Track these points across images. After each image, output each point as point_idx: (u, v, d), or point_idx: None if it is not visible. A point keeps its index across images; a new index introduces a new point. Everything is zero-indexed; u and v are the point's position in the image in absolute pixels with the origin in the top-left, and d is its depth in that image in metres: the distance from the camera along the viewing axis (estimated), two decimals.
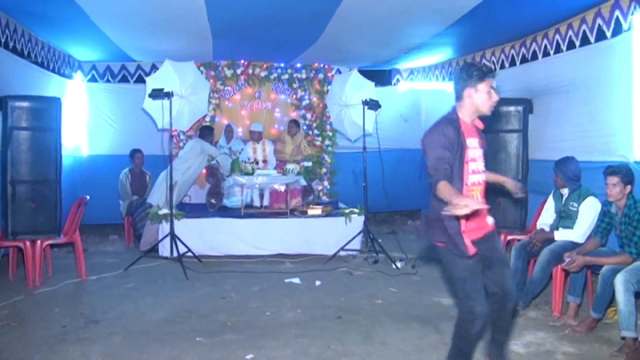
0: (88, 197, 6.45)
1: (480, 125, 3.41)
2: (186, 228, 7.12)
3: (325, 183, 9.69)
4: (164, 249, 7.06)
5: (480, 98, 3.25)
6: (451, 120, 3.25)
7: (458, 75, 3.30)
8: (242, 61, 9.30)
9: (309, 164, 8.83)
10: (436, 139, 3.12)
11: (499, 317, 3.42)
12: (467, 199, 2.86)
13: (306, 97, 9.63)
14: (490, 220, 3.42)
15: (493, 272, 3.37)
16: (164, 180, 7.53)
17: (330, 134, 9.65)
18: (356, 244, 7.46)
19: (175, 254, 6.72)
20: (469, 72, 3.23)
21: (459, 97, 3.31)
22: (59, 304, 5.35)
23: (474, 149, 3.29)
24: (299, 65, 9.53)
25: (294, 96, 9.65)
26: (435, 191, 2.96)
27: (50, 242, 6.11)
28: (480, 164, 3.33)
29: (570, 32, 6.04)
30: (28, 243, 5.84)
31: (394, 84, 10.35)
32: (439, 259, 3.43)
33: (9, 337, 4.44)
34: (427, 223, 3.29)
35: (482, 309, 3.18)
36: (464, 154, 3.18)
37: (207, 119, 9.09)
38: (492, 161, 6.50)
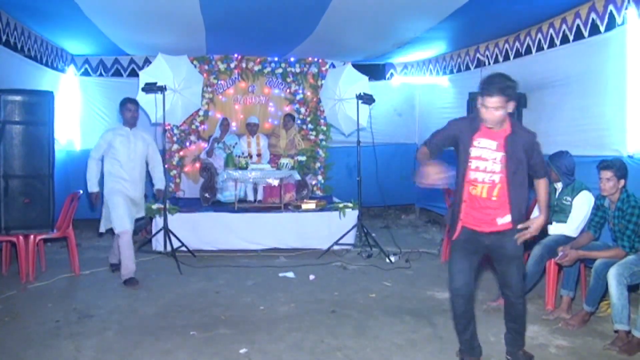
0: (81, 192, 6.43)
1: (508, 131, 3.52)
2: (180, 223, 7.12)
3: (319, 177, 9.67)
4: (158, 244, 7.06)
5: (480, 109, 3.45)
6: (473, 117, 3.61)
7: None
8: (236, 55, 9.26)
9: (303, 158, 8.82)
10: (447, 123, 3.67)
11: (509, 306, 3.78)
12: (429, 168, 3.32)
13: (300, 91, 9.60)
14: (502, 220, 3.55)
15: (499, 268, 3.73)
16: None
17: (324, 128, 9.62)
18: (350, 238, 7.46)
19: (169, 248, 6.72)
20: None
21: None
22: (52, 298, 5.34)
23: (485, 149, 3.50)
24: (292, 59, 9.49)
25: (288, 90, 9.62)
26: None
27: (44, 236, 6.08)
28: (491, 165, 3.50)
29: (564, 27, 6.05)
30: (21, 238, 5.82)
31: (388, 78, 10.34)
32: None
33: (2, 332, 4.43)
34: None
35: (456, 285, 3.61)
36: (469, 150, 3.52)
37: (201, 113, 9.06)
38: None
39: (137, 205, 6.37)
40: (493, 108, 3.34)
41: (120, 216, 5.96)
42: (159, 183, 6.58)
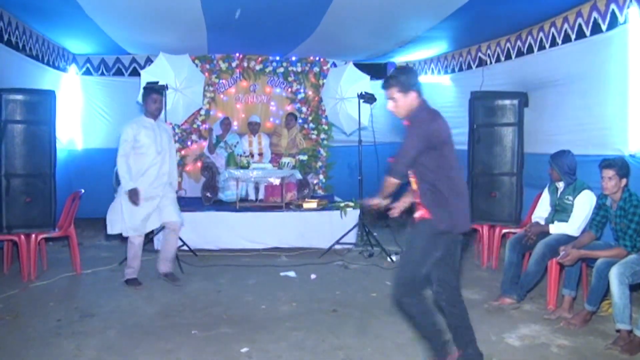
0: (83, 191, 6.44)
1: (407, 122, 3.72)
2: None
3: (321, 176, 9.67)
4: (159, 243, 7.04)
5: None
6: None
7: None
8: (237, 54, 9.27)
9: (305, 157, 8.82)
10: None
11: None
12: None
13: (301, 90, 9.61)
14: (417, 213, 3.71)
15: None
16: None
17: (326, 127, 9.62)
18: (351, 238, 7.45)
19: None
20: None
21: None
22: (54, 297, 5.34)
23: None
24: (294, 58, 9.50)
25: (289, 89, 9.62)
26: None
27: (45, 235, 6.08)
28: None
29: (566, 26, 6.04)
30: (22, 237, 5.82)
31: None
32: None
33: (4, 331, 4.43)
34: None
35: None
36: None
37: (202, 112, 9.07)
38: (487, 154, 6.57)
39: (165, 207, 5.83)
40: (388, 99, 3.64)
41: (134, 218, 5.64)
42: (173, 178, 6.18)
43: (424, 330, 3.62)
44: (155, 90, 5.94)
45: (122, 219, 5.67)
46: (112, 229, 5.77)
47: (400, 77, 3.59)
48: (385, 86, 3.61)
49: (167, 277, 5.90)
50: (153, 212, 5.75)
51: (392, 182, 3.64)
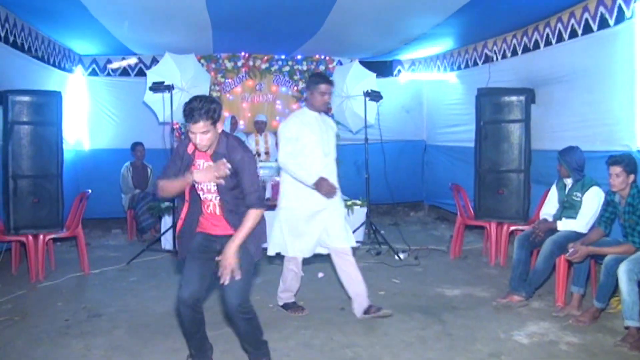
0: (90, 191, 6.46)
1: None
2: None
3: None
4: (167, 242, 7.07)
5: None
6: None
7: None
8: (243, 53, 9.27)
9: None
10: None
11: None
12: None
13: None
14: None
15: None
16: None
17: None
18: (359, 236, 7.43)
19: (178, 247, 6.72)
20: None
21: None
22: (62, 297, 5.36)
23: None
24: (299, 57, 9.50)
25: (295, 88, 9.62)
26: None
27: (53, 236, 6.11)
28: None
29: (572, 21, 6.00)
30: (30, 237, 5.84)
31: (396, 75, 10.28)
32: None
33: (12, 331, 4.45)
34: None
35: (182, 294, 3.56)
36: None
37: None
38: (494, 151, 6.55)
39: (334, 225, 4.79)
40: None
41: (294, 236, 4.73)
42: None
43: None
44: (325, 79, 4.82)
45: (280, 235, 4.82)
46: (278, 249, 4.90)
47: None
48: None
49: (368, 313, 4.73)
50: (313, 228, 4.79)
51: None
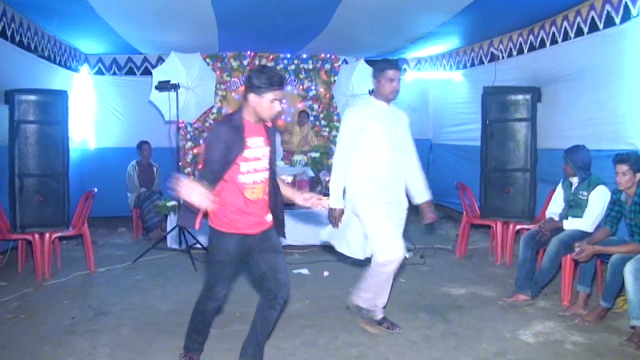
0: (96, 190, 6.47)
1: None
2: None
3: None
4: (173, 241, 7.07)
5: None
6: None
7: None
8: (248, 52, 9.29)
9: (317, 154, 8.81)
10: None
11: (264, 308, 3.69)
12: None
13: (313, 87, 9.61)
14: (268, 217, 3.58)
15: (267, 264, 3.64)
16: None
17: (338, 124, 9.60)
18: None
19: (183, 245, 6.74)
20: None
21: None
22: (68, 296, 5.37)
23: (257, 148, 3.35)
24: (305, 56, 9.50)
25: (301, 87, 9.63)
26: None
27: (59, 234, 6.13)
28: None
29: (578, 19, 5.98)
30: (37, 236, 5.86)
31: (401, 74, 10.26)
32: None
33: (18, 329, 4.47)
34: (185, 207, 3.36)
35: (218, 293, 3.55)
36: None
37: (214, 110, 9.09)
38: (500, 150, 6.53)
39: (401, 221, 4.55)
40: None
41: (387, 236, 4.25)
42: (422, 194, 4.70)
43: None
44: (393, 65, 4.31)
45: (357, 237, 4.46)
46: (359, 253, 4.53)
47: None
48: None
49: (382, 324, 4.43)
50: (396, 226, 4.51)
51: None
